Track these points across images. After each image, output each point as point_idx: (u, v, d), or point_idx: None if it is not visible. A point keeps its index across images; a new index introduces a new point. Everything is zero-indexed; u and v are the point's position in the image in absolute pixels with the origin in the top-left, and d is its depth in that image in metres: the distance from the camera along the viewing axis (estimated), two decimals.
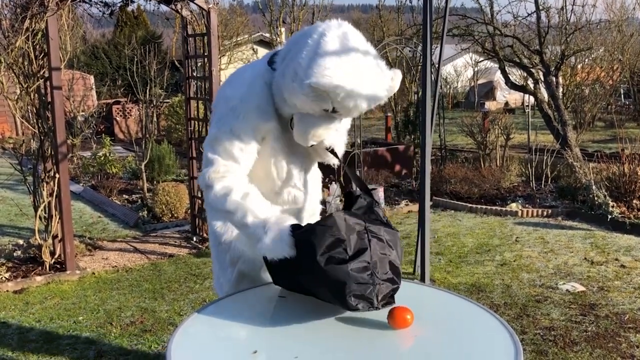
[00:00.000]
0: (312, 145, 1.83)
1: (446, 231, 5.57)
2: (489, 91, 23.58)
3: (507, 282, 4.21)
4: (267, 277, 1.89)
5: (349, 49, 1.64)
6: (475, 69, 22.12)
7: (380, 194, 6.52)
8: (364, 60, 1.65)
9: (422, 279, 4.21)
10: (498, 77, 18.92)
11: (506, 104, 22.16)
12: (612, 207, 5.58)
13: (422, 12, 4.03)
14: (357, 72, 1.63)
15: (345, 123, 1.97)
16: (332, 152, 1.90)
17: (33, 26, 4.23)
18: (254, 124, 1.78)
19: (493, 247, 5.02)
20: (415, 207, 6.22)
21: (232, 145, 1.77)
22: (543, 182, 6.95)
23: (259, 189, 1.81)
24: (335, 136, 1.84)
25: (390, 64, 11.07)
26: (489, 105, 21.89)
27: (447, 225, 5.81)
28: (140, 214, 6.18)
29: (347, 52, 1.63)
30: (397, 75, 1.72)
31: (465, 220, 5.95)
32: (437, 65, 4.40)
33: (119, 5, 5.22)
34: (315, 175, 2.08)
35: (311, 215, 2.05)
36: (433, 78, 4.45)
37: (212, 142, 1.81)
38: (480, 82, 23.65)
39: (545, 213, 5.97)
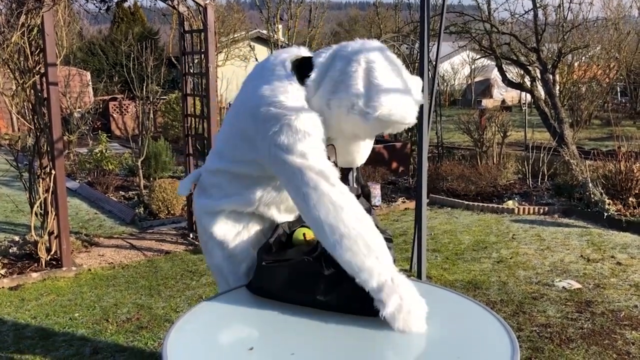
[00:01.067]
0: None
1: (443, 228, 5.58)
2: (485, 89, 23.59)
3: (504, 279, 4.22)
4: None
5: (397, 72, 1.68)
6: (472, 67, 22.14)
7: (377, 191, 6.52)
8: (408, 81, 1.70)
9: (419, 276, 4.21)
10: (495, 74, 18.92)
11: (503, 101, 22.18)
12: (609, 204, 5.59)
13: (420, 9, 4.02)
14: (409, 97, 1.67)
15: None
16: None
17: (29, 22, 4.21)
18: (322, 139, 1.70)
19: (490, 245, 5.02)
20: (411, 205, 6.22)
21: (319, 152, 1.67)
22: (540, 179, 6.96)
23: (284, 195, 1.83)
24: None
25: None
26: (486, 102, 21.90)
27: (443, 222, 5.81)
28: (137, 210, 6.17)
29: (398, 75, 1.67)
30: (419, 83, 1.74)
31: (462, 218, 5.96)
32: (434, 63, 4.39)
33: (115, 1, 5.21)
34: None
35: None
36: (430, 76, 4.44)
37: (317, 169, 1.63)
38: (477, 79, 23.67)
39: (541, 210, 5.98)
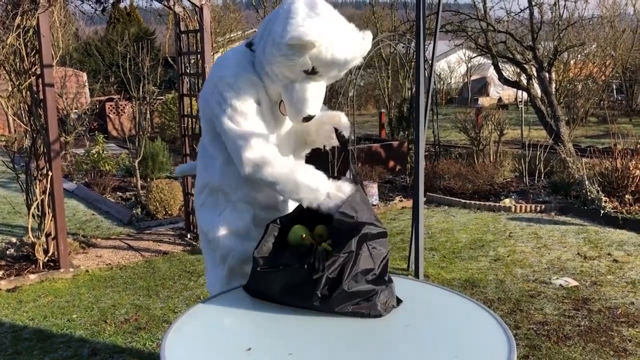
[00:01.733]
0: (308, 120, 1.86)
1: (440, 227, 5.59)
2: (482, 87, 23.63)
3: (501, 277, 4.23)
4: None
5: (319, 9, 1.72)
6: (469, 65, 22.17)
7: (374, 190, 6.53)
8: (334, 18, 1.75)
9: (416, 275, 4.22)
10: (491, 73, 18.96)
11: (499, 99, 22.21)
12: (605, 202, 5.61)
13: (415, 8, 4.03)
14: (330, 25, 1.71)
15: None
16: (338, 134, 1.94)
17: (24, 23, 4.20)
18: (251, 93, 1.83)
19: (487, 243, 5.03)
20: (408, 203, 6.23)
21: (247, 119, 1.81)
22: (536, 177, 6.98)
23: None
24: (321, 102, 1.88)
25: (384, 60, 11.08)
26: (483, 101, 21.94)
27: (440, 221, 5.82)
28: (134, 211, 6.17)
29: (317, 12, 1.71)
30: (367, 35, 1.81)
31: (459, 216, 5.97)
32: (430, 62, 4.40)
33: (111, 2, 5.19)
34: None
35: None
36: (426, 74, 4.44)
37: (226, 126, 1.82)
38: (473, 78, 23.70)
39: (538, 208, 6.00)
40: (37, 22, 4.21)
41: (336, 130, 1.94)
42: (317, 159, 2.00)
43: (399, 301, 1.66)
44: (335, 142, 1.99)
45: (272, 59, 1.75)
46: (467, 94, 22.77)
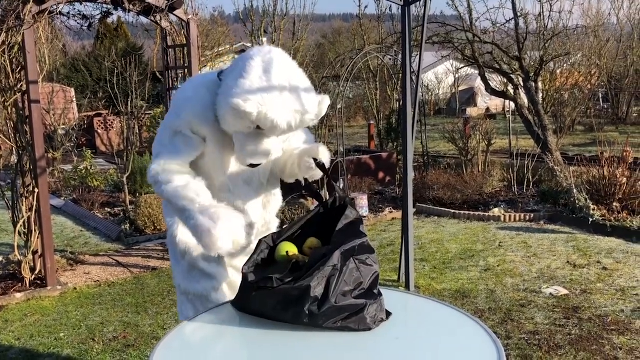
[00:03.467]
0: (253, 167, 1.92)
1: (430, 237, 5.59)
2: (470, 97, 23.79)
3: (491, 287, 4.23)
4: (216, 270, 1.98)
5: (272, 74, 1.75)
6: (456, 76, 22.33)
7: (364, 201, 6.52)
8: (287, 80, 1.77)
9: (407, 286, 4.21)
10: (479, 83, 19.12)
11: (487, 109, 22.38)
12: (593, 210, 5.64)
13: (401, 21, 4.05)
14: (274, 95, 1.73)
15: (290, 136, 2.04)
16: (320, 165, 1.92)
17: (9, 39, 4.18)
18: (190, 122, 1.88)
19: (477, 253, 5.04)
20: (398, 214, 6.23)
21: (173, 140, 1.91)
22: (525, 186, 7.01)
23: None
24: (273, 150, 1.88)
25: (372, 72, 11.14)
26: (471, 111, 22.08)
27: (430, 231, 5.82)
28: (123, 227, 6.12)
29: (269, 76, 1.74)
30: (324, 100, 1.85)
31: (449, 227, 5.97)
32: (417, 73, 4.42)
33: (97, 17, 5.19)
34: (270, 191, 2.13)
35: (264, 229, 2.12)
36: (413, 86, 4.47)
37: (157, 140, 1.96)
38: (461, 88, 23.86)
39: (527, 217, 6.02)
40: (22, 39, 4.19)
41: (315, 159, 1.92)
42: (308, 189, 1.99)
43: (388, 314, 1.65)
44: (317, 175, 1.97)
45: (223, 110, 1.80)
46: (455, 104, 22.91)
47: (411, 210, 4.23)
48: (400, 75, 8.45)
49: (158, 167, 1.88)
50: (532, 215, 6.03)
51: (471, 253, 5.04)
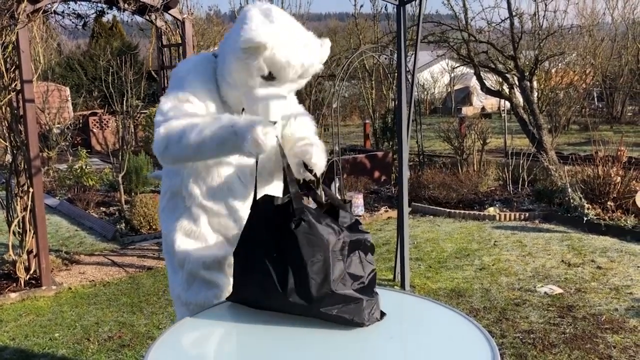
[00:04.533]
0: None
1: (425, 237, 5.60)
2: (465, 96, 23.83)
3: (486, 286, 4.24)
4: (217, 278, 1.91)
5: (273, 16, 1.74)
6: (452, 75, 22.36)
7: (359, 201, 6.53)
8: (290, 24, 1.77)
9: (402, 286, 4.22)
10: (474, 82, 19.15)
11: (483, 108, 22.43)
12: (588, 209, 5.66)
13: (396, 20, 4.06)
14: (283, 29, 1.73)
15: (292, 102, 1.98)
16: (309, 169, 1.85)
17: (3, 39, 4.17)
18: (195, 91, 1.82)
19: (472, 252, 5.05)
20: (394, 214, 6.23)
21: (181, 104, 1.81)
22: (520, 185, 7.03)
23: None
24: (283, 110, 1.84)
25: (368, 72, 11.14)
26: (466, 110, 22.12)
27: (426, 230, 5.83)
28: (118, 226, 6.10)
29: (271, 19, 1.73)
30: (326, 42, 1.83)
31: (444, 226, 5.98)
32: (412, 72, 4.43)
33: (92, 16, 5.18)
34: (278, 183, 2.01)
35: None
36: (408, 85, 4.47)
37: (160, 109, 1.83)
38: (456, 87, 23.90)
39: (522, 216, 6.04)
40: (16, 38, 4.17)
41: (306, 166, 1.84)
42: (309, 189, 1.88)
43: (382, 314, 1.65)
44: (308, 176, 1.88)
45: (231, 66, 1.76)
46: (450, 103, 22.94)
47: (406, 209, 4.24)
48: (396, 74, 8.46)
49: (164, 129, 1.77)
50: (527, 214, 6.05)
51: (466, 252, 5.05)
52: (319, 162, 1.85)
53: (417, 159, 8.35)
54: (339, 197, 6.65)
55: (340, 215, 1.70)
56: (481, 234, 5.60)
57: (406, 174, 4.22)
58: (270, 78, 1.76)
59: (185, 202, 1.93)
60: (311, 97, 8.33)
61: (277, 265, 1.61)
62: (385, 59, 9.33)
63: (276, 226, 1.63)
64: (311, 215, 1.60)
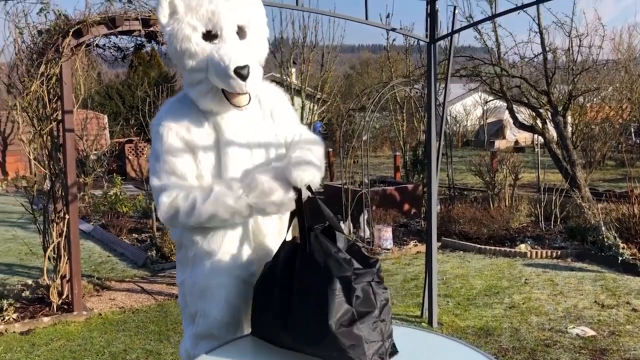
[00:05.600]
0: (243, 77, 1.73)
1: (455, 272, 5.53)
2: (499, 129, 23.66)
3: (516, 325, 4.15)
4: (226, 336, 1.85)
5: None
6: (485, 108, 22.27)
7: (388, 234, 6.50)
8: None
9: (430, 323, 4.17)
10: (507, 115, 19.07)
11: (516, 142, 22.20)
12: (623, 248, 5.52)
13: (427, 58, 4.10)
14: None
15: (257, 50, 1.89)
16: (308, 187, 1.80)
17: (48, 71, 4.35)
18: (176, 132, 1.80)
19: (502, 289, 4.96)
20: (423, 248, 6.15)
21: (171, 164, 1.79)
22: (552, 222, 6.91)
23: None
24: (254, 63, 1.77)
25: (399, 104, 11.20)
26: (499, 143, 21.94)
27: (455, 266, 5.76)
28: (149, 253, 6.20)
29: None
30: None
31: (474, 262, 5.91)
32: (442, 106, 4.45)
33: (132, 49, 5.37)
34: None
35: (278, 240, 1.89)
36: (439, 117, 4.48)
37: (152, 173, 1.83)
38: (489, 120, 23.78)
39: (554, 254, 5.92)
40: (60, 70, 4.35)
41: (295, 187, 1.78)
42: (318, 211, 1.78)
43: (393, 354, 1.59)
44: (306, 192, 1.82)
45: (177, 60, 1.81)
46: (483, 136, 22.80)
47: (435, 245, 4.21)
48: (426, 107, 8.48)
49: (168, 198, 1.76)
50: (559, 252, 5.93)
51: (496, 289, 4.97)
52: (299, 178, 1.75)
53: (448, 192, 8.29)
54: (368, 230, 6.64)
55: (336, 238, 1.67)
56: (512, 271, 5.51)
57: (435, 209, 4.21)
58: (209, 36, 1.77)
59: (189, 252, 1.90)
60: (341, 128, 8.41)
61: (285, 304, 1.62)
62: (417, 92, 9.37)
63: (294, 266, 1.64)
64: (319, 252, 1.59)
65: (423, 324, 4.22)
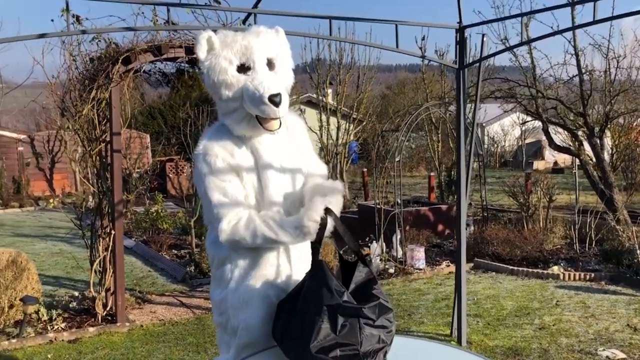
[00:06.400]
0: (276, 103, 1.94)
1: (486, 293, 5.58)
2: (537, 150, 23.37)
3: (545, 346, 4.19)
4: (268, 344, 1.98)
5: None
6: (523, 128, 22.06)
7: (421, 254, 6.59)
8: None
9: (459, 341, 4.25)
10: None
11: (555, 163, 21.89)
12: None
13: (456, 83, 4.24)
14: (227, 30, 2.08)
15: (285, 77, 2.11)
16: (327, 210, 1.95)
17: (98, 95, 4.65)
18: (222, 157, 1.99)
19: (532, 311, 5.00)
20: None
21: (222, 190, 1.97)
22: (587, 244, 6.87)
23: None
24: (279, 86, 1.99)
25: (435, 125, 11.29)
26: (537, 164, 21.68)
27: (487, 287, 5.81)
28: (188, 269, 6.44)
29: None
30: (280, 29, 2.11)
31: (506, 283, 5.94)
32: (471, 127, 4.56)
33: (175, 74, 5.65)
34: None
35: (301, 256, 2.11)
36: (469, 139, 4.57)
37: (205, 204, 2.02)
38: (528, 141, 23.53)
39: (588, 277, 5.90)
40: (109, 95, 4.65)
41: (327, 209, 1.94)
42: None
43: None
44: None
45: (214, 91, 2.04)
46: (521, 156, 22.56)
47: (464, 266, 4.30)
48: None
49: (228, 225, 1.94)
50: (593, 274, 5.91)
51: (527, 310, 5.00)
52: (335, 202, 1.97)
53: (483, 213, 8.32)
54: (401, 249, 6.74)
55: (356, 270, 1.79)
56: (543, 292, 5.52)
57: (464, 230, 4.31)
58: (243, 69, 1.99)
59: (233, 267, 2.06)
60: (375, 149, 8.55)
61: (287, 320, 1.80)
62: (450, 114, 9.47)
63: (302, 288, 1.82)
64: (319, 279, 1.73)
65: (452, 342, 4.30)
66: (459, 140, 4.17)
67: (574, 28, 7.89)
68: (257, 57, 2.00)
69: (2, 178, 15.22)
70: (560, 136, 10.91)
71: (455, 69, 4.08)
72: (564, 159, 22.09)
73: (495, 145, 24.40)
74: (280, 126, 2.01)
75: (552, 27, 7.97)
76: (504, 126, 23.98)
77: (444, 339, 4.37)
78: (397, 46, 3.78)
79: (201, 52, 2.01)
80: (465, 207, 4.28)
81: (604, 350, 4.10)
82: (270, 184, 2.03)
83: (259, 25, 2.12)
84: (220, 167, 1.98)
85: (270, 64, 2.04)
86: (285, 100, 1.97)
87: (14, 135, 16.43)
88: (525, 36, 8.45)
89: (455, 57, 4.08)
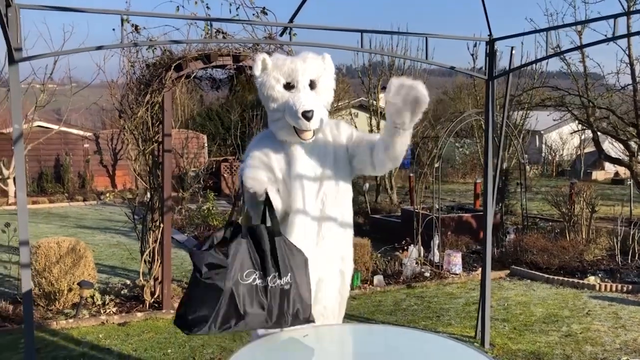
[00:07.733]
0: (308, 118, 2.41)
1: (517, 300, 5.65)
2: (597, 160, 22.69)
3: (568, 352, 4.27)
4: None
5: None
6: (582, 137, 21.49)
7: (457, 259, 6.70)
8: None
9: (482, 344, 4.39)
10: (607, 146, 18.34)
11: (616, 174, 21.21)
12: None
13: (485, 94, 4.39)
14: (279, 54, 2.60)
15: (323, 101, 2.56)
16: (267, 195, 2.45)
17: (152, 99, 5.05)
18: (260, 159, 2.52)
19: (561, 318, 5.05)
20: (495, 275, 6.31)
21: (254, 158, 2.53)
22: (630, 257, 6.80)
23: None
24: (319, 107, 2.46)
25: (476, 134, 11.29)
26: (597, 175, 21.09)
27: (519, 294, 5.87)
28: None
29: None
30: (326, 55, 2.57)
31: (540, 291, 5.98)
32: (499, 136, 4.68)
33: (226, 81, 6.02)
34: (343, 210, 2.63)
35: (333, 258, 2.64)
36: (497, 144, 4.70)
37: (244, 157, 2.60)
38: (588, 150, 22.87)
39: (625, 288, 5.87)
40: (162, 99, 5.04)
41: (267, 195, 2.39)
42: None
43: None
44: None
45: (264, 102, 2.54)
46: (580, 166, 21.98)
47: (489, 270, 4.44)
48: (514, 134, 8.58)
49: (245, 165, 2.51)
50: (630, 287, 5.87)
51: (555, 318, 5.06)
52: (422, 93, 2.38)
53: (522, 222, 8.32)
54: (438, 254, 6.87)
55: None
56: (576, 302, 5.55)
57: (489, 237, 4.44)
58: (288, 86, 2.47)
59: None
60: (417, 155, 8.68)
61: None
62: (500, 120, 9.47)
63: None
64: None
65: (476, 344, 4.44)
66: (487, 148, 4.32)
67: (629, 35, 7.79)
68: (301, 78, 2.47)
69: (69, 173, 16.22)
70: (619, 146, 10.69)
71: (485, 79, 4.24)
72: (624, 170, 21.36)
73: (553, 154, 23.85)
74: (312, 136, 2.48)
75: (605, 35, 7.91)
76: (563, 134, 23.41)
77: (467, 340, 4.52)
78: (426, 57, 3.97)
79: (257, 70, 2.50)
80: (491, 215, 4.42)
81: (627, 359, 4.14)
82: (298, 177, 2.51)
83: (309, 52, 2.57)
84: (254, 163, 2.50)
85: (312, 84, 2.51)
86: (318, 115, 2.43)
87: (80, 132, 17.46)
88: (577, 43, 8.38)
89: (485, 69, 4.23)
